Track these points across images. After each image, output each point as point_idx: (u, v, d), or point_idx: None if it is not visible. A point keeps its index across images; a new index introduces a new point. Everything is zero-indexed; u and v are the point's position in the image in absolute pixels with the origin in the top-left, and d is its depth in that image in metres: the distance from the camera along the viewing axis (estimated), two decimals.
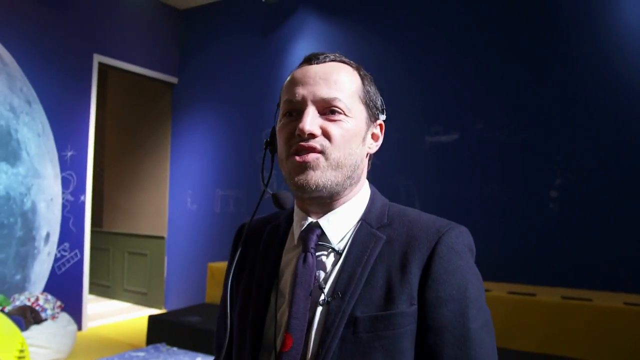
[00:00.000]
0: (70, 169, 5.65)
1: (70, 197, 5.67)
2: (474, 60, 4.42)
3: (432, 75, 4.62)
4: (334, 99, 0.90)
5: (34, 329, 4.38)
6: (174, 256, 6.65)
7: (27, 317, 4.37)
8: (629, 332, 3.24)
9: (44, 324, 4.53)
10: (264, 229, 1.05)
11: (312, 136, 0.88)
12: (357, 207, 0.96)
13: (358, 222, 0.94)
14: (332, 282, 0.89)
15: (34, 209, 5.06)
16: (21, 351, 4.15)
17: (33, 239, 5.08)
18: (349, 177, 0.92)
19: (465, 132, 4.40)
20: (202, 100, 6.50)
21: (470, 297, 0.87)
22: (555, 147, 4.04)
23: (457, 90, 4.48)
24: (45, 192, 5.23)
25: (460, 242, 0.93)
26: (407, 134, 4.67)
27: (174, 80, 6.75)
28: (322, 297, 0.88)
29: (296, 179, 0.89)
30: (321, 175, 0.88)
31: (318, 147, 0.88)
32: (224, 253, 5.99)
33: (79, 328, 5.62)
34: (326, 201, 0.94)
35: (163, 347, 3.95)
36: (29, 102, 5.16)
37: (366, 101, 0.98)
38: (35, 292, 4.98)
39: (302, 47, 5.55)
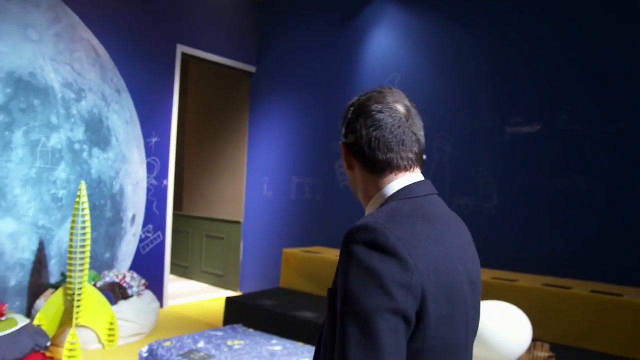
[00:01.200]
0: (154, 154, 5.95)
1: (154, 182, 5.97)
2: (558, 47, 4.23)
3: (513, 63, 4.47)
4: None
5: (122, 304, 4.68)
6: (249, 241, 6.86)
7: (116, 293, 4.67)
8: None
9: (130, 300, 4.82)
10: None
11: None
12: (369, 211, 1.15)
13: None
14: None
15: (121, 192, 5.37)
16: (111, 323, 4.45)
17: (121, 220, 5.40)
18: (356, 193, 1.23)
19: (548, 123, 4.23)
20: (279, 88, 6.62)
21: (344, 292, 0.94)
22: None
23: (539, 79, 4.31)
24: (131, 176, 5.53)
25: (352, 240, 0.98)
26: (486, 124, 4.55)
27: (252, 69, 6.91)
28: None
29: None
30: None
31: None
32: (299, 239, 6.11)
33: (161, 305, 5.93)
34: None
35: (240, 327, 4.10)
36: (118, 91, 5.46)
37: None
38: (122, 270, 5.29)
39: (379, 35, 5.52)
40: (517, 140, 4.37)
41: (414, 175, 1.14)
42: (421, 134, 1.15)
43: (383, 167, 1.12)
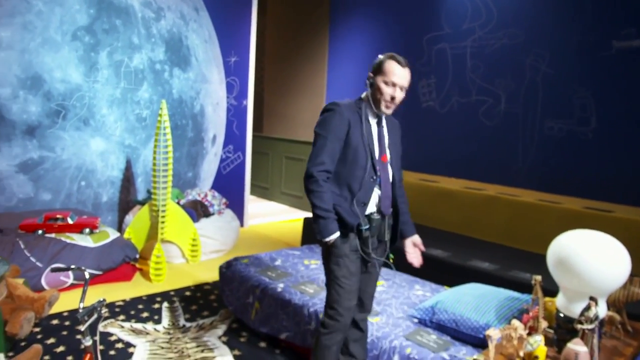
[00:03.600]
0: (234, 74, 5.91)
1: (233, 102, 5.98)
2: None
3: None
4: (403, 87, 2.20)
5: (203, 222, 4.83)
6: None
7: (198, 211, 4.82)
8: None
9: (212, 218, 4.97)
10: (352, 111, 2.23)
11: (395, 99, 2.20)
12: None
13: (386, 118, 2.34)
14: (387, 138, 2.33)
15: (202, 112, 5.42)
16: (193, 239, 4.63)
17: (202, 140, 5.49)
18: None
19: None
20: (360, 6, 6.27)
21: None
22: None
23: None
24: (212, 96, 5.55)
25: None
26: (589, 38, 4.06)
27: None
28: (387, 142, 2.32)
29: (383, 109, 2.23)
30: (390, 111, 2.25)
31: (396, 101, 2.21)
32: None
33: (241, 224, 6.10)
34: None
35: (317, 248, 4.12)
36: (196, 10, 5.39)
37: (407, 86, 2.22)
38: (204, 189, 5.44)
39: None
40: (626, 56, 3.87)
41: None
42: None
43: None
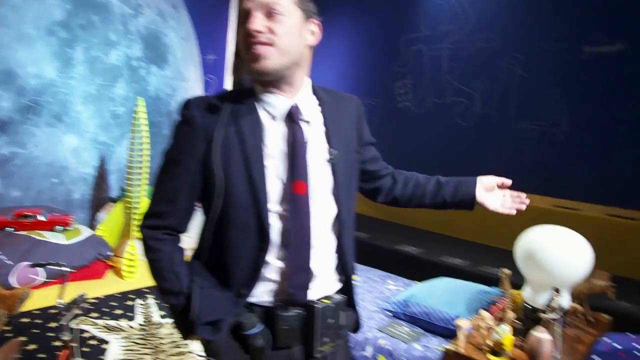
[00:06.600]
0: (211, 72, 5.91)
1: None
2: None
3: None
4: (273, 3, 1.14)
5: None
6: None
7: None
8: None
9: None
10: (222, 109, 1.21)
11: (258, 32, 1.13)
12: (310, 89, 1.34)
13: (317, 100, 1.34)
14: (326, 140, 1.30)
15: None
16: None
17: None
18: (295, 63, 1.23)
19: (635, 42, 3.83)
20: (338, 5, 6.33)
21: None
22: None
23: None
24: (188, 94, 5.53)
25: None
26: (561, 42, 4.17)
27: None
28: (327, 154, 1.27)
29: (252, 66, 1.16)
30: (272, 62, 1.16)
31: (265, 40, 1.14)
32: None
33: None
34: (287, 83, 1.25)
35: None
36: (175, 7, 5.37)
37: (300, 5, 1.19)
38: None
39: None
40: (596, 61, 3.99)
41: None
42: None
43: None
